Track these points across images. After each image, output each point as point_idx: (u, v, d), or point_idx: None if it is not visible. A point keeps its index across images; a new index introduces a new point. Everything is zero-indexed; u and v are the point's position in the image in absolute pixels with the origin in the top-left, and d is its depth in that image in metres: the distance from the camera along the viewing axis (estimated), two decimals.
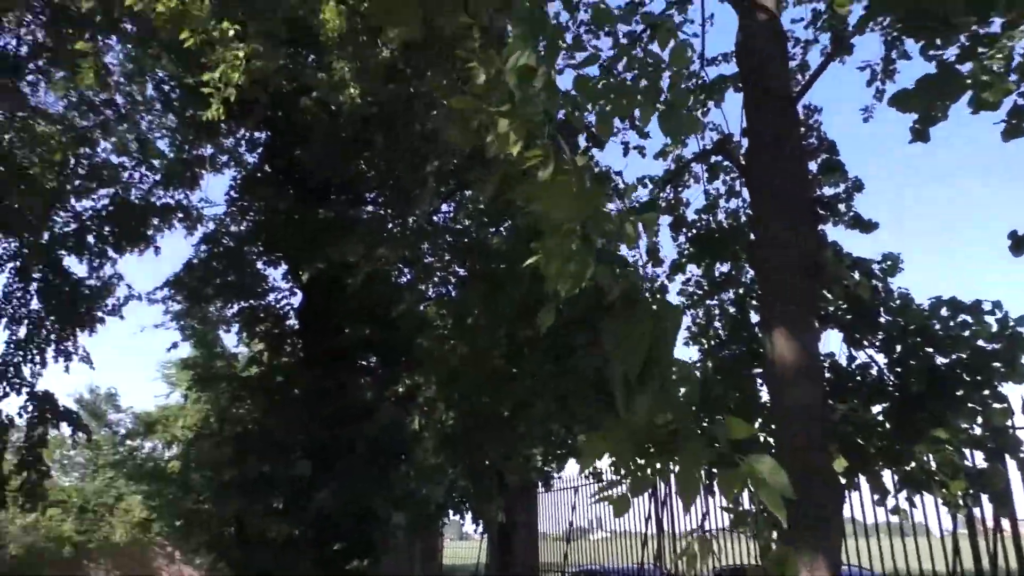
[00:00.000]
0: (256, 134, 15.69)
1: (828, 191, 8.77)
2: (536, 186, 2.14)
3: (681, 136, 2.66)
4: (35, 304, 15.18)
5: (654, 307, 2.06)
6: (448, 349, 13.33)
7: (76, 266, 15.61)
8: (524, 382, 11.90)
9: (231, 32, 5.06)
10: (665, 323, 1.73)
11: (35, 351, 15.15)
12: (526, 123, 2.45)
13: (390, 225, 14.18)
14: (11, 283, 15.02)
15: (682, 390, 1.76)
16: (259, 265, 16.21)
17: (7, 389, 14.82)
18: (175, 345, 17.45)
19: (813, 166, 9.07)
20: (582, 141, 9.82)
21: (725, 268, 10.95)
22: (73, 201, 15.30)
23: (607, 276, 2.07)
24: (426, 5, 2.76)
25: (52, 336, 15.30)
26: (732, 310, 10.83)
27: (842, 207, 8.61)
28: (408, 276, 14.92)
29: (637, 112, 3.41)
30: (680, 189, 11.64)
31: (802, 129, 9.17)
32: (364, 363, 16.73)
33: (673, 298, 11.40)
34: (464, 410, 13.08)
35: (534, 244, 2.30)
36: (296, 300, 16.45)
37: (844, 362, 7.77)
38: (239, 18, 9.05)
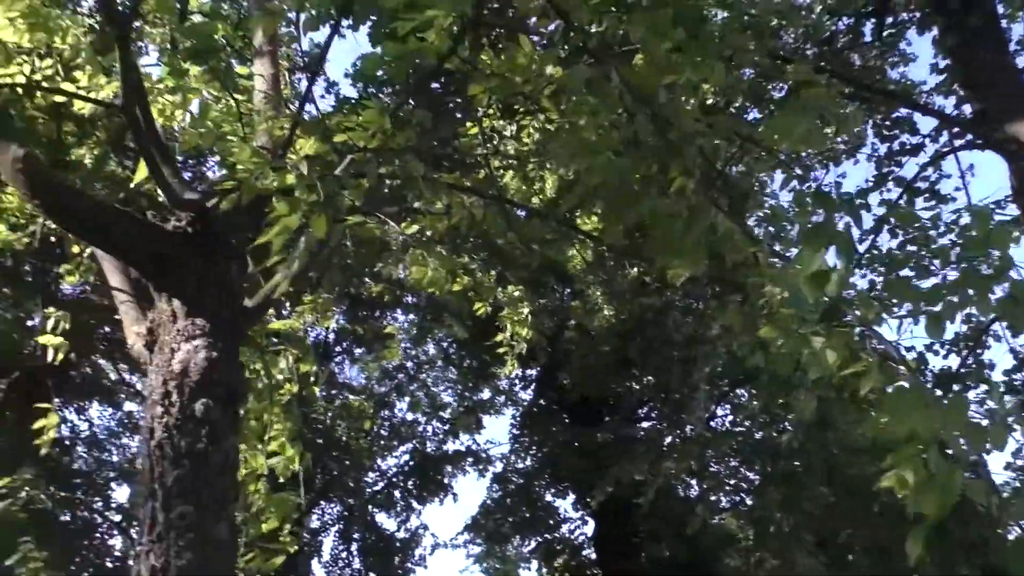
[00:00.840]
0: (527, 371, 16.65)
1: None
2: (882, 410, 2.06)
3: None
4: (356, 563, 16.46)
5: None
6: (755, 561, 12.46)
7: (386, 521, 16.92)
8: None
9: (516, 293, 5.66)
10: None
11: None
12: (843, 338, 2.43)
13: (669, 438, 14.00)
14: (336, 546, 16.53)
15: None
16: (548, 497, 16.50)
17: None
18: None
19: None
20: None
21: None
22: (379, 461, 16.90)
23: (984, 493, 1.89)
24: (712, 243, 2.93)
25: None
26: None
27: None
28: (697, 488, 14.41)
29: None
30: (980, 352, 10.54)
31: None
32: None
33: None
34: None
35: (886, 462, 2.18)
36: (589, 528, 16.34)
37: None
38: (498, 271, 10.05)
